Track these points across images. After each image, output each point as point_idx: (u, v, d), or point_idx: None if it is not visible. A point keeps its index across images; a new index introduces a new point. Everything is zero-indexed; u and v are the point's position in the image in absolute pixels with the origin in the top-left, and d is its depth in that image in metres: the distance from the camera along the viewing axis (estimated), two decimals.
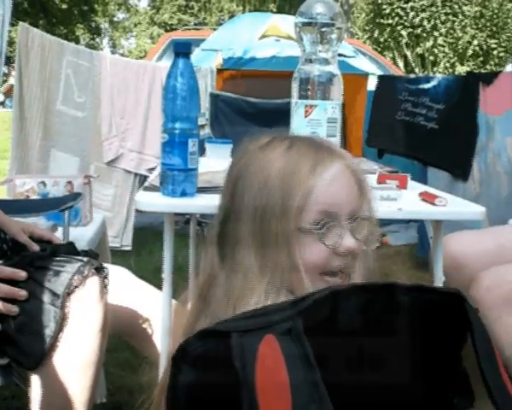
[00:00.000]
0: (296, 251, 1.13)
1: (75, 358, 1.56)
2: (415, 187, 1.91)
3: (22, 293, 1.55)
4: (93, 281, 1.61)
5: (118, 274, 1.92)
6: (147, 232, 4.69)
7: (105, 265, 1.76)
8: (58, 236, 2.06)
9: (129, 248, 4.68)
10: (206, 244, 1.22)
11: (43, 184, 3.06)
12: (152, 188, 1.67)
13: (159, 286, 1.66)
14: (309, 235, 1.13)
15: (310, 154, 1.17)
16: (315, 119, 1.63)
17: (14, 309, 1.54)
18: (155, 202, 1.56)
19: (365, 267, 1.22)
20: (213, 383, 0.89)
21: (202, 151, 2.31)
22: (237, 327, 0.89)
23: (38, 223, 2.64)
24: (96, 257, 1.73)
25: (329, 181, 1.14)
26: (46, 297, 1.55)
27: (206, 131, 4.64)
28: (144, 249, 4.58)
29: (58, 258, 1.67)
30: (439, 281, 1.71)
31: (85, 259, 1.67)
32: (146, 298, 1.94)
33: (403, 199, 1.63)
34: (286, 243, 1.13)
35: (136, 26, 35.40)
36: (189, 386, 0.88)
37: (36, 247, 1.79)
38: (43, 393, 1.57)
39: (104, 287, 1.67)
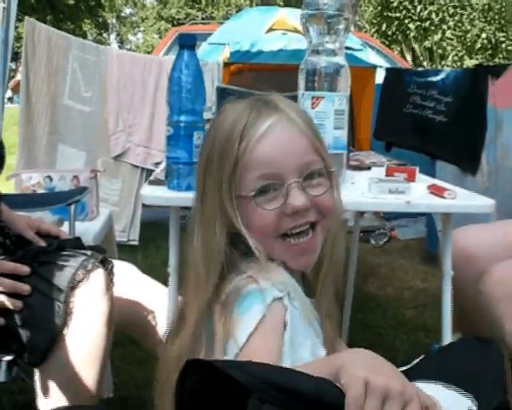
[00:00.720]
0: (235, 219, 1.12)
1: (80, 352, 1.55)
2: (423, 180, 1.90)
3: (26, 288, 1.54)
4: (98, 275, 1.60)
5: (123, 270, 1.91)
6: (154, 227, 4.69)
7: (110, 259, 1.75)
8: (64, 230, 2.05)
9: (136, 243, 4.67)
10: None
11: (50, 178, 3.05)
12: (157, 182, 1.66)
13: (165, 280, 1.65)
14: (248, 201, 1.12)
15: (244, 113, 1.14)
16: (322, 110, 1.61)
17: (18, 304, 1.53)
18: (161, 195, 1.55)
19: (336, 225, 1.21)
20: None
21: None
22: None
23: (45, 217, 2.64)
24: (102, 252, 1.71)
25: (261, 140, 1.11)
26: (50, 292, 1.54)
27: None
28: (151, 244, 4.57)
29: (62, 253, 1.66)
30: (447, 275, 1.69)
31: (89, 252, 1.66)
32: (151, 293, 1.93)
33: (411, 192, 1.61)
34: (224, 213, 1.12)
35: (143, 20, 35.38)
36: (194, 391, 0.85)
37: (42, 242, 1.78)
38: (49, 387, 1.56)
39: (110, 281, 1.66)
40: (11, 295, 1.53)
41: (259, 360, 0.91)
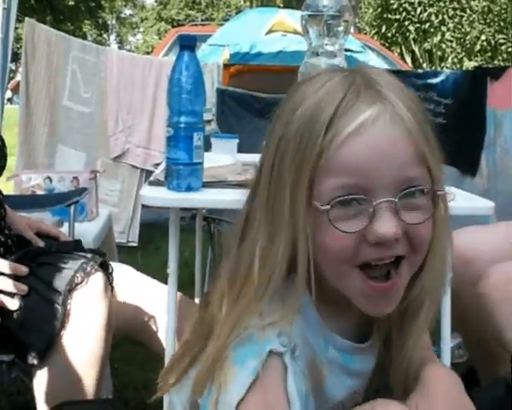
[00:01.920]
0: (304, 233, 0.87)
1: (79, 355, 1.55)
2: None
3: (23, 287, 1.54)
4: (96, 278, 1.60)
5: (122, 272, 1.91)
6: (153, 228, 4.68)
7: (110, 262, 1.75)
8: (64, 231, 2.05)
9: (135, 244, 4.67)
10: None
11: (49, 179, 3.05)
12: (157, 183, 1.66)
13: (165, 281, 1.65)
14: (321, 214, 0.85)
15: (338, 90, 0.86)
16: None
17: (16, 304, 1.53)
18: (160, 196, 1.55)
19: (431, 271, 0.93)
20: None
21: (208, 146, 2.30)
22: None
23: (44, 218, 2.63)
24: (102, 256, 1.71)
25: (353, 137, 0.84)
26: (48, 294, 1.53)
27: (213, 126, 4.62)
28: (151, 245, 4.57)
29: (61, 254, 1.66)
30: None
31: (89, 255, 1.66)
32: (151, 294, 1.93)
33: None
34: (294, 222, 0.87)
35: (142, 21, 35.40)
36: None
37: (41, 243, 1.79)
38: (48, 389, 1.56)
39: (109, 284, 1.66)
40: (9, 295, 1.53)
41: None
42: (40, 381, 1.55)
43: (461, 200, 1.62)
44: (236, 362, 0.86)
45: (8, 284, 1.54)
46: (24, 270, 1.57)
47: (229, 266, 0.94)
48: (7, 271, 1.56)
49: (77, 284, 1.56)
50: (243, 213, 0.96)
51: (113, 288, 1.69)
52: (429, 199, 0.88)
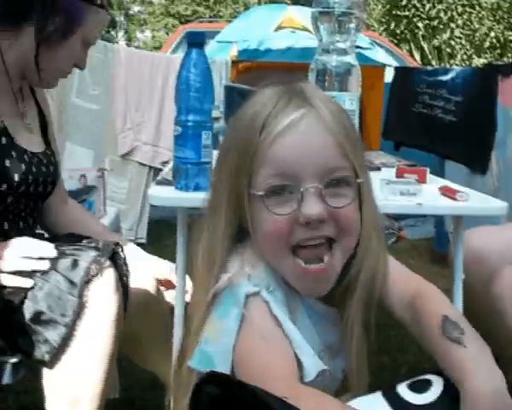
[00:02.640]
0: (247, 219, 1.04)
1: (90, 349, 1.54)
2: (434, 181, 1.88)
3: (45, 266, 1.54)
4: (109, 271, 1.59)
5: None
6: (162, 225, 4.67)
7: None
8: None
9: (143, 241, 4.66)
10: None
11: None
12: (165, 182, 1.65)
13: None
14: (259, 201, 1.01)
15: (272, 99, 1.03)
16: None
17: (30, 281, 1.52)
18: (168, 196, 1.54)
19: (366, 249, 1.07)
20: None
21: (217, 144, 2.28)
22: None
23: None
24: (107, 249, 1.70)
25: (282, 135, 0.99)
26: (63, 286, 1.52)
27: (221, 123, 4.60)
28: (159, 242, 4.56)
29: (72, 246, 1.65)
30: (458, 278, 1.67)
31: (101, 246, 1.65)
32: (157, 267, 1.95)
33: (423, 194, 1.59)
34: (234, 205, 1.05)
35: (150, 15, 35.41)
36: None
37: None
38: (56, 386, 1.55)
39: (122, 277, 1.65)
40: (26, 274, 1.53)
41: (258, 365, 0.94)
42: (49, 377, 1.54)
43: (473, 200, 1.61)
44: (221, 317, 1.01)
45: (29, 264, 1.53)
46: (52, 252, 1.57)
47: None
48: (33, 249, 1.56)
49: (92, 276, 1.55)
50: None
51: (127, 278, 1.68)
52: (351, 187, 1.03)
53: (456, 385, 0.96)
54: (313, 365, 1.00)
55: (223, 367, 0.96)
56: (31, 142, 1.82)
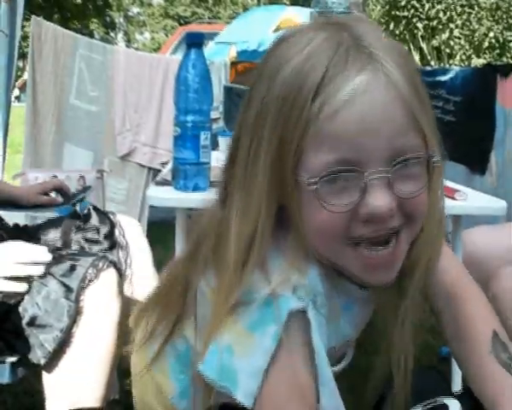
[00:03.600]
0: (293, 208, 0.84)
1: (89, 354, 1.54)
2: None
3: (37, 271, 1.55)
4: (109, 274, 1.59)
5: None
6: (161, 226, 4.67)
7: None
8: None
9: None
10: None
11: (56, 178, 3.04)
12: (164, 182, 1.64)
13: None
14: (308, 189, 0.81)
15: (325, 52, 0.80)
16: None
17: (24, 285, 1.52)
18: (167, 196, 1.54)
19: (427, 240, 0.90)
20: None
21: (215, 145, 2.28)
22: None
23: (51, 217, 2.63)
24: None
25: (345, 107, 0.78)
26: (60, 291, 1.52)
27: (220, 124, 4.60)
28: (159, 243, 4.54)
29: (72, 251, 1.66)
30: None
31: (101, 253, 1.66)
32: None
33: None
34: (280, 194, 0.83)
35: (149, 16, 35.44)
36: None
37: (59, 199, 2.02)
38: (56, 389, 1.55)
39: (121, 281, 1.65)
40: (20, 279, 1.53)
41: (288, 399, 0.80)
42: (48, 380, 1.54)
43: (473, 200, 1.61)
44: (253, 329, 0.82)
45: (23, 269, 1.53)
46: (46, 256, 1.57)
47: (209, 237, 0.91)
48: (27, 254, 1.56)
49: (89, 281, 1.55)
50: (221, 183, 0.93)
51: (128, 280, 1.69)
52: (424, 167, 0.84)
53: (487, 407, 0.92)
54: (331, 406, 0.87)
55: (247, 388, 0.80)
56: None
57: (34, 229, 1.89)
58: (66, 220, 1.90)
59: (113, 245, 1.79)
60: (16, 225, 1.89)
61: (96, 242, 1.81)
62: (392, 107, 0.79)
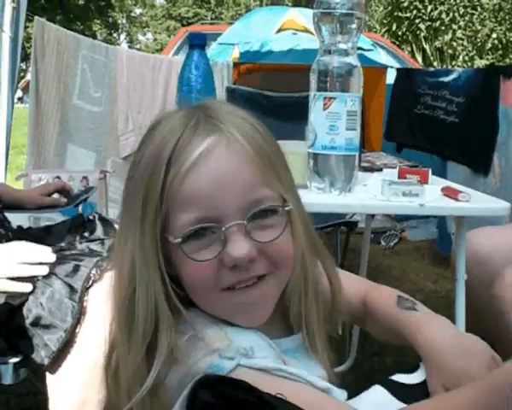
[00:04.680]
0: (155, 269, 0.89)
1: (92, 354, 1.54)
2: (436, 182, 1.88)
3: (43, 270, 1.55)
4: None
5: None
6: None
7: None
8: None
9: None
10: None
11: (59, 179, 3.04)
12: None
13: None
14: (177, 247, 0.87)
15: (178, 128, 0.89)
16: (334, 111, 1.59)
17: (29, 286, 1.52)
18: None
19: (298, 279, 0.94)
20: None
21: None
22: None
23: (54, 218, 2.63)
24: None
25: (192, 170, 0.85)
26: (64, 291, 1.53)
27: None
28: None
29: (76, 251, 1.66)
30: (461, 278, 1.67)
31: (104, 253, 1.66)
32: None
33: (424, 195, 1.59)
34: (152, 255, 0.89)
35: (152, 18, 35.48)
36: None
37: (62, 200, 2.02)
38: (58, 390, 1.55)
39: None
40: (23, 279, 1.53)
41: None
42: (51, 381, 1.54)
43: (476, 201, 1.60)
44: None
45: (28, 270, 1.54)
46: (50, 257, 1.57)
47: None
48: (32, 254, 1.56)
49: (93, 282, 1.55)
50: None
51: None
52: (282, 216, 0.90)
53: (413, 345, 1.03)
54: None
55: None
56: None
57: (39, 234, 1.89)
58: (72, 227, 1.90)
59: None
60: (20, 228, 1.89)
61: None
62: (235, 166, 0.86)
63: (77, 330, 1.51)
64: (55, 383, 1.55)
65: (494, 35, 15.92)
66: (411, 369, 1.04)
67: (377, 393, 1.00)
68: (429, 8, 16.17)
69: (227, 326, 0.90)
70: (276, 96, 4.65)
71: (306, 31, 5.90)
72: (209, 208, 0.85)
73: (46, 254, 1.59)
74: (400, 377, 1.03)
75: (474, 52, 16.04)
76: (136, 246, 0.89)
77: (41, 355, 1.52)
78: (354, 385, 0.97)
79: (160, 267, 0.89)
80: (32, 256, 1.57)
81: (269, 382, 0.82)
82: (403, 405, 0.95)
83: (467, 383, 0.90)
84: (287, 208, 0.91)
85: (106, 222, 1.94)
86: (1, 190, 2.08)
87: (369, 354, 2.84)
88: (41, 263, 1.56)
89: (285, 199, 0.91)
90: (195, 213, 0.86)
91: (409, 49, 16.09)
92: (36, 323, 1.52)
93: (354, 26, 1.59)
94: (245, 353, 0.84)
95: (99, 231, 1.88)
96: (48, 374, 1.55)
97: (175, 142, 0.87)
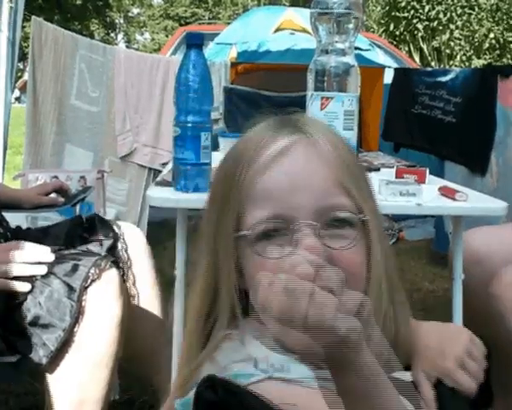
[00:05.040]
0: (227, 264, 0.88)
1: (91, 354, 1.54)
2: (433, 181, 1.88)
3: (41, 270, 1.55)
4: (111, 275, 1.59)
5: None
6: (162, 227, 4.67)
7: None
8: None
9: None
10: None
11: (56, 178, 3.04)
12: (164, 183, 1.64)
13: (172, 282, 1.63)
14: (247, 245, 0.86)
15: (262, 131, 0.91)
16: (331, 111, 1.59)
17: (27, 285, 1.52)
18: (167, 197, 1.54)
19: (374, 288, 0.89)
20: None
21: (216, 146, 2.28)
22: None
23: (51, 218, 2.63)
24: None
25: (270, 167, 0.86)
26: (63, 290, 1.53)
27: (220, 125, 4.60)
28: (159, 245, 4.55)
29: (75, 251, 1.66)
30: (458, 278, 1.67)
31: (103, 253, 1.66)
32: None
33: (422, 194, 1.59)
34: (226, 254, 0.88)
35: (150, 18, 35.46)
36: None
37: (61, 199, 2.03)
38: (57, 389, 1.55)
39: (123, 281, 1.66)
40: (23, 278, 1.53)
41: None
42: (50, 380, 1.54)
43: (473, 200, 1.60)
44: None
45: (27, 269, 1.54)
46: (49, 256, 1.57)
47: None
48: (31, 254, 1.57)
49: (92, 281, 1.55)
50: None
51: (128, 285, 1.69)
52: (357, 229, 0.87)
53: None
54: None
55: None
56: None
57: (37, 235, 1.89)
58: (70, 228, 1.90)
59: (115, 261, 1.79)
60: (19, 228, 1.89)
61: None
62: (316, 166, 0.86)
63: (75, 330, 1.52)
64: (53, 383, 1.55)
65: (491, 35, 15.93)
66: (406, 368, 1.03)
67: None
68: (427, 8, 16.18)
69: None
70: (273, 95, 4.65)
71: (304, 31, 5.90)
72: (284, 206, 0.84)
73: (45, 253, 1.59)
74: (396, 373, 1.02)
75: (472, 52, 16.06)
76: (215, 248, 0.89)
77: (39, 355, 1.52)
78: None
79: (232, 274, 0.88)
80: (31, 256, 1.57)
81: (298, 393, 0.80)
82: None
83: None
84: (363, 218, 0.87)
85: (104, 223, 1.94)
86: None
87: None
88: (40, 263, 1.56)
89: (364, 212, 0.88)
90: (270, 210, 0.84)
91: (406, 49, 16.10)
92: (34, 322, 1.52)
93: (351, 25, 1.59)
94: (280, 368, 0.82)
95: (98, 232, 1.88)
96: (46, 374, 1.55)
97: (257, 142, 0.88)
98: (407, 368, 1.04)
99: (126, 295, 1.65)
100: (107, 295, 1.57)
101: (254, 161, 0.86)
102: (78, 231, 1.90)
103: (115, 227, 1.92)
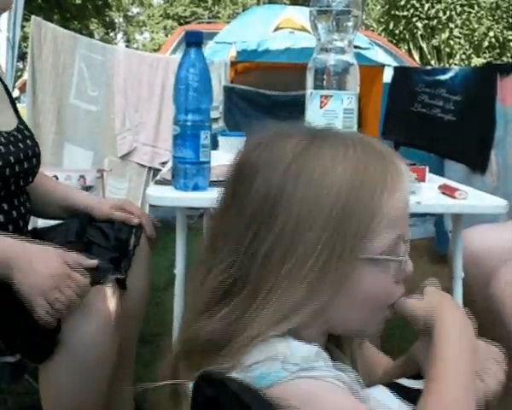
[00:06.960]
0: (355, 283, 0.91)
1: (89, 354, 1.54)
2: (433, 179, 1.88)
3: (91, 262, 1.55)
4: (109, 291, 1.59)
5: None
6: (161, 226, 4.66)
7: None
8: None
9: None
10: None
11: (56, 178, 3.04)
12: (164, 182, 1.64)
13: (172, 281, 1.63)
14: (375, 264, 0.92)
15: (376, 164, 0.92)
16: (330, 109, 1.59)
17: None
18: (167, 196, 1.53)
19: None
20: None
21: (215, 145, 2.28)
22: None
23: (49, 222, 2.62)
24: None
25: (399, 192, 0.92)
26: None
27: (220, 124, 4.60)
28: (158, 243, 4.54)
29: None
30: (458, 276, 1.67)
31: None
32: None
33: (422, 192, 1.59)
34: (345, 273, 0.89)
35: (149, 17, 35.42)
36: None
37: (136, 220, 1.87)
38: (53, 390, 1.54)
39: (118, 283, 1.65)
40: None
41: None
42: (45, 381, 1.54)
43: (473, 198, 1.60)
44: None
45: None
46: (92, 262, 1.56)
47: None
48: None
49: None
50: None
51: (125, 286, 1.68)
52: None
53: None
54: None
55: None
56: (0, 122, 1.75)
57: (48, 235, 1.87)
58: (78, 229, 1.87)
59: (124, 254, 1.78)
60: (34, 229, 1.87)
61: (105, 248, 1.81)
62: None
63: (72, 333, 1.51)
64: (45, 386, 1.55)
65: (491, 33, 15.94)
66: (416, 376, 1.05)
67: (379, 391, 1.00)
68: (426, 6, 16.18)
69: (292, 338, 0.88)
70: (273, 94, 4.65)
71: (304, 29, 5.90)
72: (402, 231, 0.95)
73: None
74: (403, 381, 1.05)
75: (471, 50, 16.06)
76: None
77: (35, 357, 1.52)
78: None
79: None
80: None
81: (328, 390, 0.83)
82: (405, 405, 0.96)
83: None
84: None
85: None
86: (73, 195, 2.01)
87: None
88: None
89: None
90: (398, 231, 0.94)
91: (406, 47, 16.10)
92: (29, 322, 1.51)
93: (350, 23, 1.59)
94: (306, 366, 0.84)
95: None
96: (46, 374, 1.54)
97: (383, 168, 0.91)
98: (419, 376, 1.04)
99: (122, 303, 1.64)
100: (102, 294, 1.56)
101: (388, 188, 0.90)
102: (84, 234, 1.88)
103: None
